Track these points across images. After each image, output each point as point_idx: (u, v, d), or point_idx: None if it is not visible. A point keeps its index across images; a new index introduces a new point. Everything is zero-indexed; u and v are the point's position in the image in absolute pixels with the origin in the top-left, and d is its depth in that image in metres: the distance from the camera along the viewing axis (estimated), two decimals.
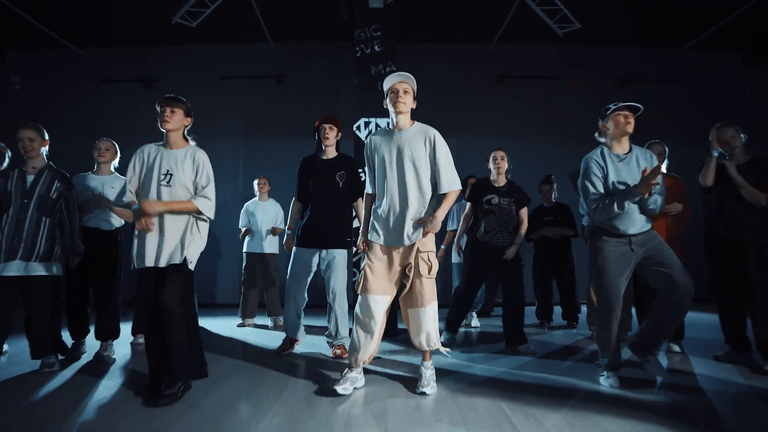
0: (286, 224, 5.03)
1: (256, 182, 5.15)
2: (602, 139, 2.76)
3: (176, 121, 2.61)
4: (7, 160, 3.45)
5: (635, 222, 2.61)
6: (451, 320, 3.88)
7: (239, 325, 4.85)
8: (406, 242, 2.52)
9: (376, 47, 4.74)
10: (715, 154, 3.20)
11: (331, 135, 3.45)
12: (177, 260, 2.46)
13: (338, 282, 3.37)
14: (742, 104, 7.15)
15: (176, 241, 2.49)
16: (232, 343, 4.02)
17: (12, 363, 3.11)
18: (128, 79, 7.17)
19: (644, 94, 7.12)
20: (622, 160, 2.66)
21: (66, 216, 3.13)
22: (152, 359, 2.49)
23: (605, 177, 2.64)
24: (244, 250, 4.96)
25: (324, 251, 3.37)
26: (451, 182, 2.55)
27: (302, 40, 7.07)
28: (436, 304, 2.56)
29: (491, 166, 3.88)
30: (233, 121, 7.19)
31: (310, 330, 4.36)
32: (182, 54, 7.17)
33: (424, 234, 2.51)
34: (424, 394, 2.44)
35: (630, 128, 2.63)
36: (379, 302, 2.54)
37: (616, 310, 2.61)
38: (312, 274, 3.43)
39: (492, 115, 7.10)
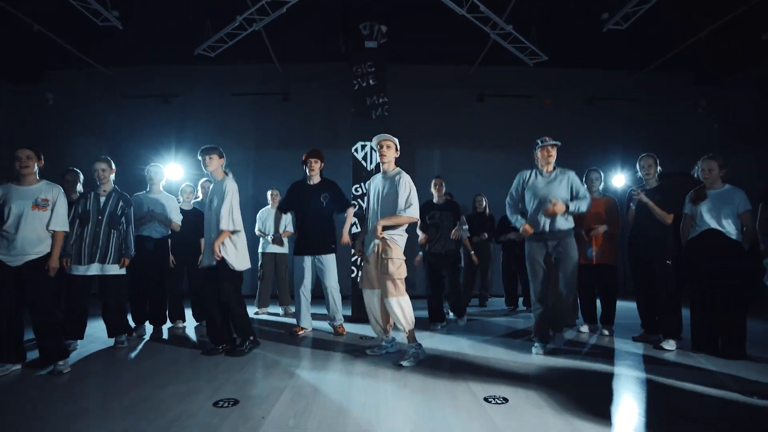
0: (294, 227, 5.99)
1: (269, 193, 6.04)
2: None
3: (214, 164, 3.83)
4: (80, 183, 4.40)
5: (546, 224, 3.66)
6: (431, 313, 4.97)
7: (255, 313, 5.78)
8: (371, 251, 3.50)
9: (370, 81, 5.63)
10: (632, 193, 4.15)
11: (316, 167, 4.46)
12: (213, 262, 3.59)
13: (331, 280, 4.44)
14: (695, 120, 8.11)
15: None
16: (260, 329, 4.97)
17: (90, 341, 4.04)
18: (149, 95, 8.04)
19: (609, 111, 8.09)
20: (545, 177, 3.74)
21: (124, 227, 4.02)
22: (216, 331, 3.74)
23: (531, 188, 3.74)
24: (260, 250, 5.88)
25: (316, 257, 4.41)
26: (402, 208, 3.40)
27: (305, 62, 7.93)
28: (400, 298, 3.38)
29: (432, 190, 5.01)
30: (244, 133, 8.08)
31: (314, 317, 5.31)
32: (198, 73, 8.03)
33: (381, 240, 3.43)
34: (401, 366, 3.36)
35: (552, 160, 3.73)
36: (368, 294, 3.55)
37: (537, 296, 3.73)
38: (311, 275, 4.48)
39: (473, 131, 8.02)
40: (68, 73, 8.00)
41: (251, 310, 5.92)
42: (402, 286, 3.41)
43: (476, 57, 7.55)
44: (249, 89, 8.08)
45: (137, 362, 3.52)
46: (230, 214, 3.63)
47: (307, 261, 4.42)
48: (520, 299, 6.35)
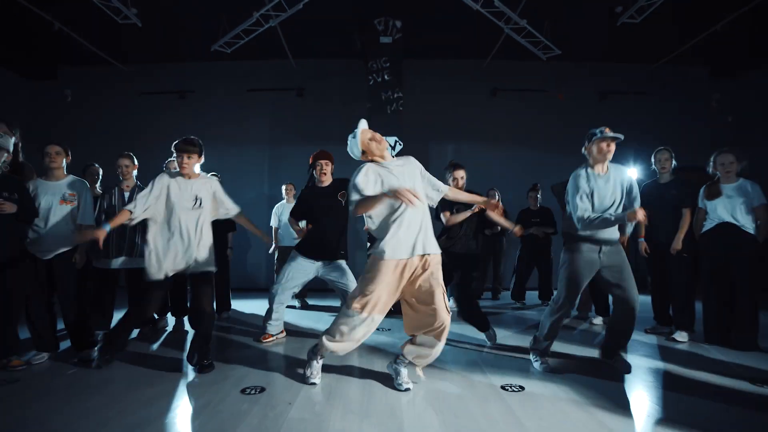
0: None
1: (284, 187, 6.15)
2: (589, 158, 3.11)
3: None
4: (99, 177, 4.52)
5: (607, 231, 3.02)
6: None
7: None
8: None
9: (386, 76, 5.71)
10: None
11: (328, 170, 4.00)
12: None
13: (351, 281, 3.90)
14: (710, 114, 8.07)
15: None
16: None
17: None
18: (165, 92, 8.16)
19: (622, 106, 8.07)
20: (601, 178, 3.03)
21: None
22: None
23: (591, 193, 3.01)
24: (279, 244, 5.99)
25: (332, 263, 3.93)
26: None
27: (320, 57, 7.99)
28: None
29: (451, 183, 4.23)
30: (259, 129, 8.17)
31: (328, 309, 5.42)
32: (213, 69, 8.11)
33: None
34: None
35: (610, 155, 2.99)
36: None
37: (571, 308, 3.16)
38: (308, 279, 3.99)
39: (486, 125, 8.04)
40: (86, 69, 8.12)
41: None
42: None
43: (489, 51, 7.56)
44: (264, 85, 8.15)
45: (161, 353, 3.65)
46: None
47: (313, 265, 3.92)
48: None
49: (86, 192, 3.59)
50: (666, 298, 4.21)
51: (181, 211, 3.14)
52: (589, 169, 3.07)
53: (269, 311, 3.96)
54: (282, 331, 4.13)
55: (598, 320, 4.73)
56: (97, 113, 8.05)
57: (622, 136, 2.95)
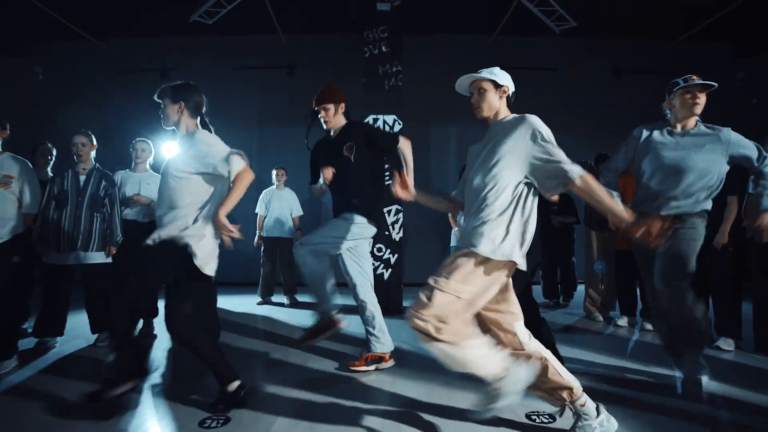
0: (300, 212, 5.52)
1: (274, 172, 5.57)
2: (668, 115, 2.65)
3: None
4: (53, 158, 3.95)
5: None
6: None
7: (259, 303, 5.36)
8: None
9: (383, 47, 5.10)
10: None
11: (329, 115, 3.07)
12: None
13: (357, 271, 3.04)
14: (733, 94, 7.48)
15: None
16: (265, 321, 4.55)
17: (72, 337, 3.61)
18: (146, 69, 7.53)
19: (638, 84, 7.46)
20: (679, 135, 2.55)
21: (109, 210, 3.55)
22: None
23: (652, 152, 2.56)
24: (263, 234, 5.42)
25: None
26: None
27: (311, 32, 7.37)
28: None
29: None
30: (247, 110, 7.56)
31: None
32: (197, 45, 7.47)
33: None
34: None
35: (698, 109, 2.51)
36: None
37: None
38: None
39: None
40: (59, 46, 7.49)
41: (254, 300, 5.49)
42: None
43: (496, 26, 6.95)
44: (252, 62, 7.54)
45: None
46: None
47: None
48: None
49: (28, 173, 3.03)
50: (705, 297, 3.66)
51: None
52: (662, 128, 2.60)
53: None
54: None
55: (623, 321, 4.19)
56: (74, 92, 7.41)
57: (715, 84, 2.45)
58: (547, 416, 2.17)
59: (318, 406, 2.31)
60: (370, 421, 2.12)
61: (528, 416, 2.17)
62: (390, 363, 2.98)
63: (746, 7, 6.29)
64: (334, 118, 3.07)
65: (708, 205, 2.51)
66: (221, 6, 5.76)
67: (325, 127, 3.12)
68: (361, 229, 2.93)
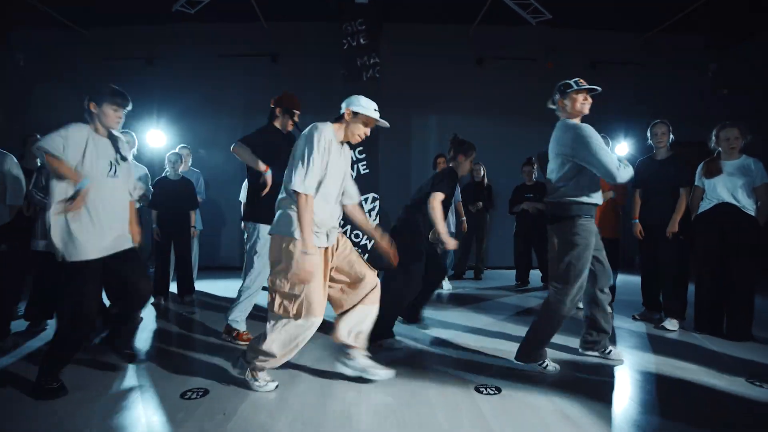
0: None
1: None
2: (559, 113, 2.80)
3: None
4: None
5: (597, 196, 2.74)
6: None
7: None
8: None
9: (361, 40, 5.27)
10: None
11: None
12: None
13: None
14: (705, 85, 7.74)
15: None
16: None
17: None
18: (131, 57, 7.58)
19: (614, 75, 7.68)
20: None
21: None
22: None
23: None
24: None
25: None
26: None
27: (294, 20, 7.44)
28: None
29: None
30: (232, 97, 7.65)
31: None
32: (182, 33, 7.50)
33: None
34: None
35: (586, 110, 2.70)
36: None
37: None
38: None
39: (472, 95, 7.61)
40: (40, 33, 7.49)
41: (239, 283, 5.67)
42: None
43: (475, 16, 7.09)
44: (236, 50, 7.61)
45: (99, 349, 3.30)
46: None
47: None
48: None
49: (13, 166, 3.19)
50: (657, 283, 3.94)
51: None
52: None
53: None
54: None
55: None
56: (56, 80, 7.43)
57: (599, 88, 2.66)
58: (493, 388, 2.43)
59: (287, 369, 2.55)
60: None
61: (476, 389, 2.43)
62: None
63: (718, 1, 6.48)
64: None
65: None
66: None
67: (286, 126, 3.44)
68: None
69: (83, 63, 7.49)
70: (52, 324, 3.65)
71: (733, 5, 6.64)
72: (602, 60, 7.73)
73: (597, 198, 2.70)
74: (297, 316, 2.24)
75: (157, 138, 6.74)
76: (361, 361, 2.50)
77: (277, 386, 2.42)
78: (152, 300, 4.60)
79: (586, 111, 2.71)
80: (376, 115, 2.40)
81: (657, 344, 3.32)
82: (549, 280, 2.77)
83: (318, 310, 2.27)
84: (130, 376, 2.62)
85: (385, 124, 2.45)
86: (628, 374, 2.71)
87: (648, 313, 4.01)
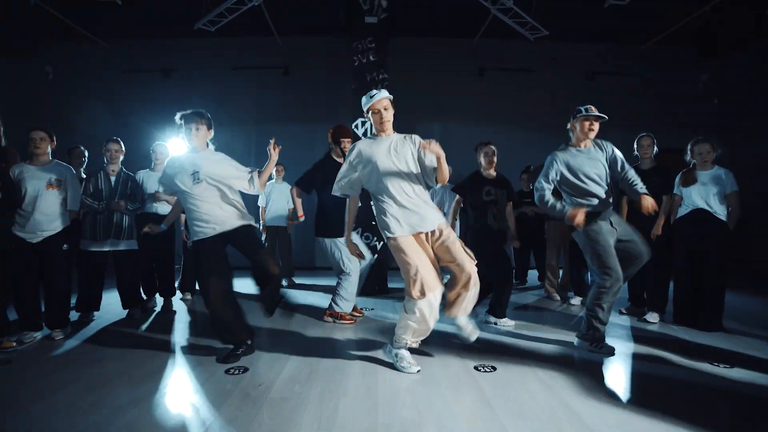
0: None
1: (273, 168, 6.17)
2: (570, 134, 3.29)
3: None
4: (86, 159, 4.55)
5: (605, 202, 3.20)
6: None
7: None
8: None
9: (371, 57, 5.67)
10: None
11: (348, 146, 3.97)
12: None
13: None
14: (697, 95, 8.13)
15: None
16: None
17: (105, 312, 4.26)
18: (149, 70, 8.04)
19: (610, 86, 8.08)
20: (583, 153, 3.20)
21: (139, 204, 4.20)
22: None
23: (568, 166, 3.16)
24: (266, 224, 6.06)
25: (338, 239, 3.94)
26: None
27: (305, 35, 7.89)
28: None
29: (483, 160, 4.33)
30: (245, 108, 8.12)
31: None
32: (198, 46, 7.96)
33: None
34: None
35: (593, 134, 3.16)
36: None
37: (620, 281, 3.09)
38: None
39: (474, 105, 8.04)
40: (67, 46, 7.94)
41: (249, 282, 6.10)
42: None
43: (477, 30, 7.52)
44: (249, 63, 8.06)
45: (150, 333, 3.75)
46: None
47: (327, 243, 4.02)
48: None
49: (72, 177, 3.63)
50: (642, 281, 4.34)
51: None
52: (570, 147, 3.25)
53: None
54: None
55: (576, 301, 4.89)
56: (81, 92, 7.91)
57: (606, 117, 3.14)
58: (489, 367, 2.85)
59: (316, 350, 2.98)
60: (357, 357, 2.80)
61: (475, 368, 2.85)
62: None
63: (710, 15, 6.85)
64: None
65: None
66: (224, 16, 6.28)
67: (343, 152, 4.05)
68: None
69: (104, 74, 7.94)
70: (98, 315, 4.10)
71: (723, 19, 7.02)
72: (599, 71, 8.13)
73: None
74: (420, 295, 2.68)
75: (179, 146, 7.17)
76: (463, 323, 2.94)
77: (419, 371, 2.77)
78: (180, 296, 5.06)
79: (591, 136, 3.19)
80: (371, 101, 2.88)
81: (640, 334, 3.72)
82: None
83: (434, 284, 2.71)
84: (179, 359, 3.05)
85: (379, 96, 2.88)
86: (612, 358, 3.11)
87: (634, 308, 4.42)
